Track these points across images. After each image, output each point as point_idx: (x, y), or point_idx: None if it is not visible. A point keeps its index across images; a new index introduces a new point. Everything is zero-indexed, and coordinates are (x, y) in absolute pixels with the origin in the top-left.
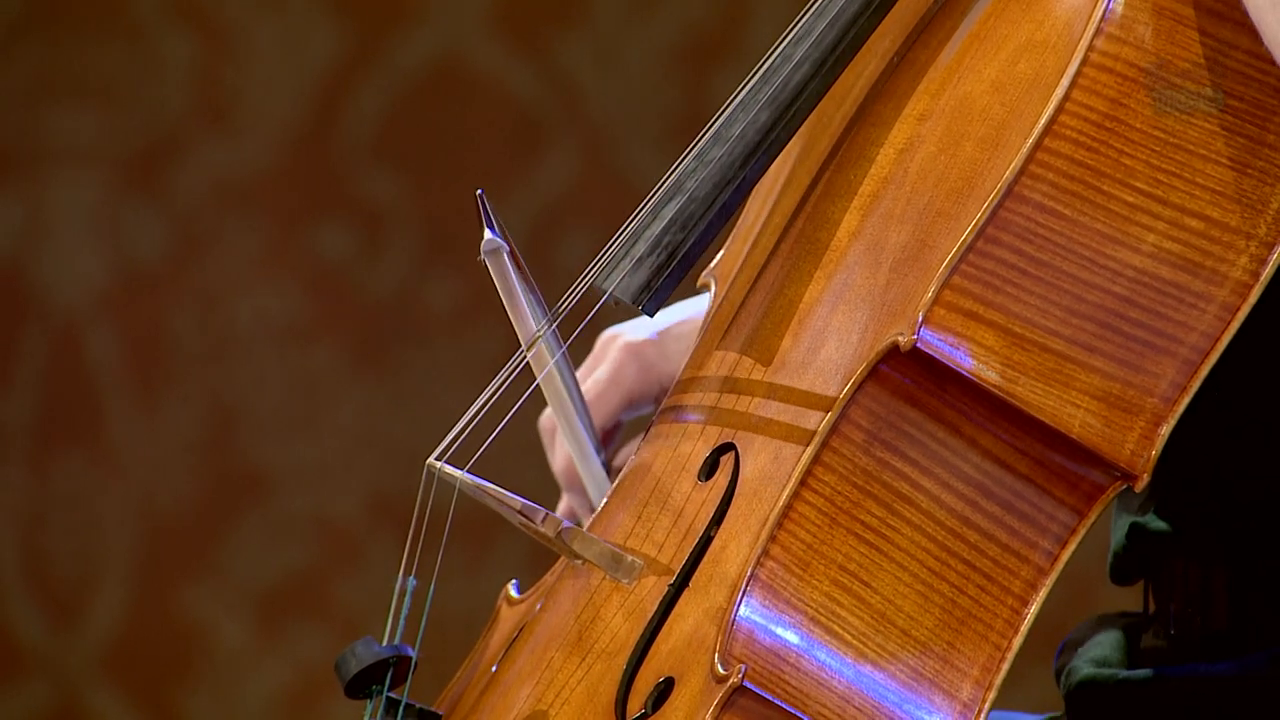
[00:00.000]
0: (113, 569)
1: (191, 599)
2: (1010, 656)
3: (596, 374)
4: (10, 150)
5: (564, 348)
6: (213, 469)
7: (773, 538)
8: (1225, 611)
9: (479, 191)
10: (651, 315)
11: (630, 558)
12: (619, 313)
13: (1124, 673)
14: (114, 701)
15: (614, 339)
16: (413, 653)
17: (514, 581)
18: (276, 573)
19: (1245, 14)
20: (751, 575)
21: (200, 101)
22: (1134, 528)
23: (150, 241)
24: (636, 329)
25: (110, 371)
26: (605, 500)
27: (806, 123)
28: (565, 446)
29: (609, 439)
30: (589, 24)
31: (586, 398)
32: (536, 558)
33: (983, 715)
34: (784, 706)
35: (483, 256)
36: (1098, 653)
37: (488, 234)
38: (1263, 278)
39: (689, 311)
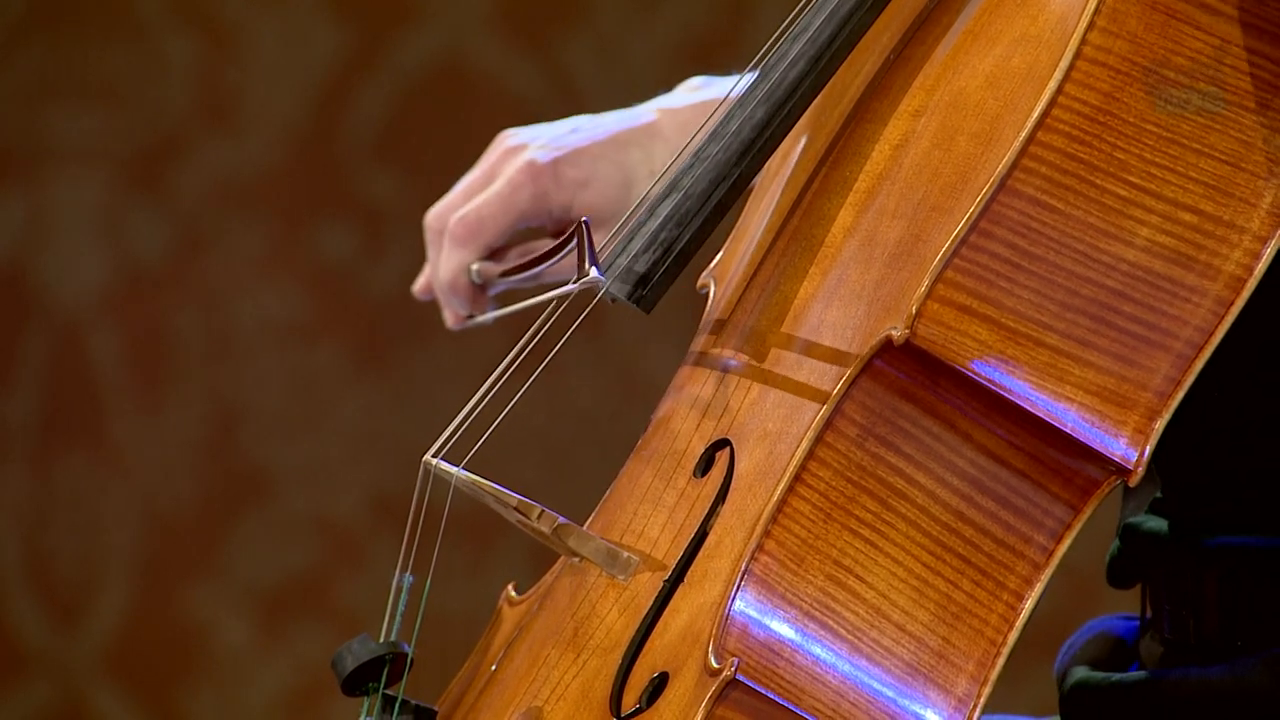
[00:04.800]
0: (115, 569)
1: (193, 599)
2: (1006, 652)
3: (492, 189)
4: (12, 150)
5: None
6: (215, 469)
7: (767, 533)
8: (1216, 614)
9: (584, 220)
10: (648, 311)
11: (626, 554)
12: (615, 306)
13: (1116, 675)
14: (116, 701)
15: (515, 152)
16: (409, 650)
17: (514, 583)
18: (278, 572)
19: (1241, 8)
20: (746, 570)
21: (202, 101)
22: (1127, 529)
23: (152, 241)
24: (538, 146)
25: (112, 371)
26: (604, 498)
27: (804, 120)
28: (456, 257)
29: (496, 256)
30: (590, 23)
31: (479, 213)
32: (536, 558)
33: (978, 710)
34: (778, 700)
35: (581, 287)
36: (1093, 655)
37: (593, 272)
38: (1256, 272)
39: (592, 136)
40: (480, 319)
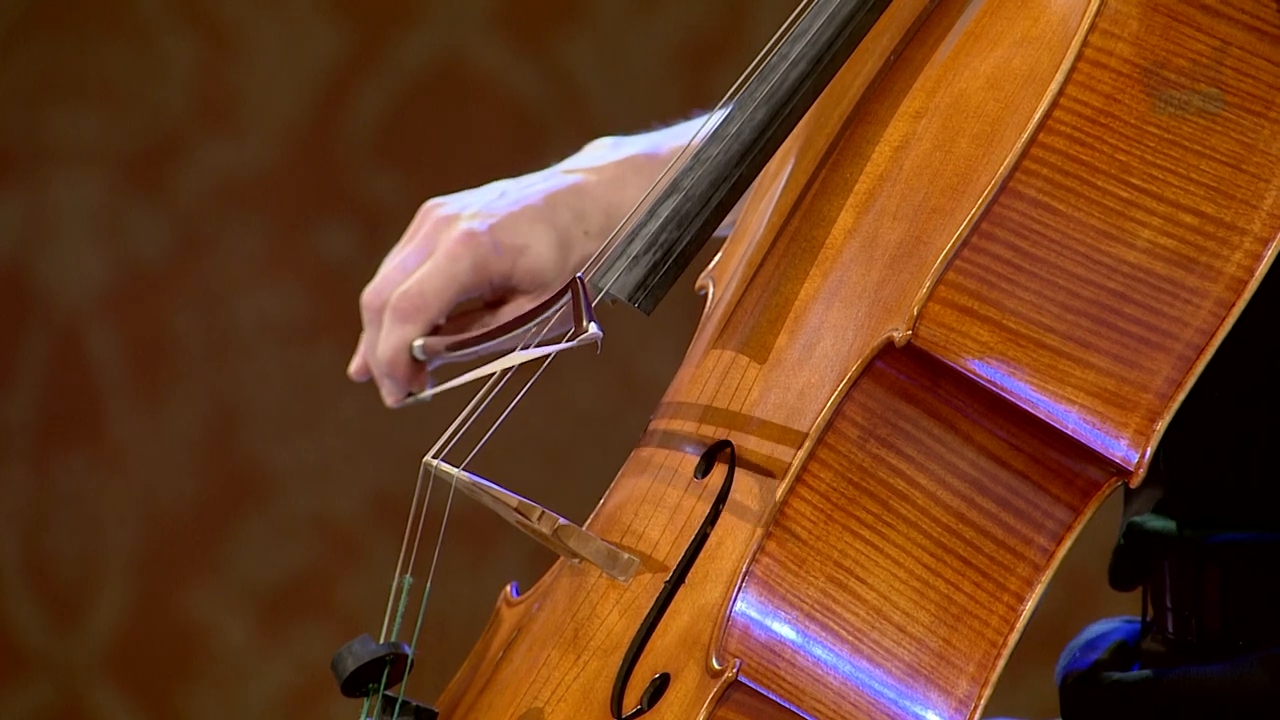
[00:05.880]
0: (114, 568)
1: (193, 598)
2: (1006, 653)
3: (431, 263)
4: (12, 150)
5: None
6: (214, 468)
7: (768, 534)
8: (1218, 611)
9: (579, 275)
10: (648, 313)
11: (626, 555)
12: (615, 307)
13: (1117, 674)
14: (116, 701)
15: (448, 222)
16: (409, 650)
17: (514, 584)
18: (278, 572)
19: (1242, 10)
20: (747, 571)
21: (202, 101)
22: (1131, 528)
23: (152, 241)
24: (471, 215)
25: (112, 371)
26: (604, 499)
27: (805, 122)
28: (397, 334)
29: (436, 331)
30: (590, 24)
31: (420, 287)
32: (536, 559)
33: (978, 711)
34: (779, 701)
35: (580, 342)
36: (1094, 655)
37: (593, 328)
38: (1257, 273)
39: (522, 200)
40: (420, 396)
